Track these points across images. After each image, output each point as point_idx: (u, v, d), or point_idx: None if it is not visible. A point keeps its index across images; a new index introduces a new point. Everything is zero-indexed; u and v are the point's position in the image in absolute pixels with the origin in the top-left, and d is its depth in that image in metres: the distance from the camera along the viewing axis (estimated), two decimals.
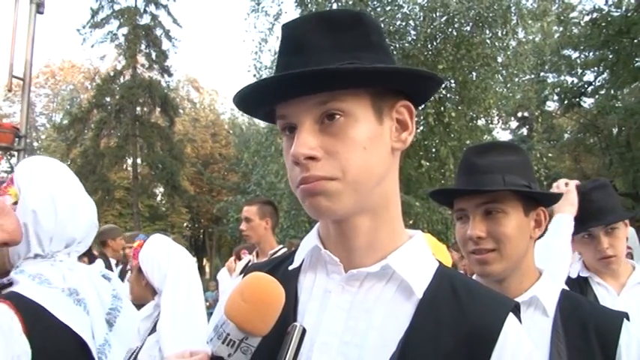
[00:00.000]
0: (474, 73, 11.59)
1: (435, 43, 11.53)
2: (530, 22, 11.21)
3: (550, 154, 15.65)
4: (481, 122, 12.64)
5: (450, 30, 11.23)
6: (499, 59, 11.52)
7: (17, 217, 1.19)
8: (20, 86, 4.85)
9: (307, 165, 0.74)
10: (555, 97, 19.53)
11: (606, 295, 1.87)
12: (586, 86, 18.49)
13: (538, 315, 1.23)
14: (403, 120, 0.81)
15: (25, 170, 1.37)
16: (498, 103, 12.04)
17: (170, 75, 25.02)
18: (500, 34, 11.15)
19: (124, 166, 26.07)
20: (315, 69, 0.72)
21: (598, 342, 1.15)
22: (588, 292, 1.88)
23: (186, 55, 60.67)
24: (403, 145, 0.82)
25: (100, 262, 5.47)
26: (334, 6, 11.35)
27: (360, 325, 0.77)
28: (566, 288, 1.35)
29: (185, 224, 31.14)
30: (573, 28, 17.58)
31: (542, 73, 18.50)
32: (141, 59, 24.11)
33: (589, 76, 18.65)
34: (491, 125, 13.04)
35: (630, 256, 2.83)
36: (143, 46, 24.07)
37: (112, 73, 23.88)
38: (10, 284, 1.28)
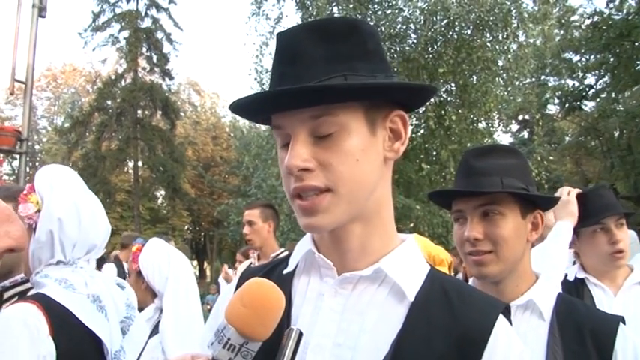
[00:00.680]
0: (475, 77, 11.58)
1: (435, 47, 11.54)
2: (530, 25, 11.21)
3: (551, 158, 15.66)
4: (482, 125, 12.61)
5: (450, 33, 11.24)
6: (500, 62, 11.51)
7: (22, 223, 1.22)
8: (22, 89, 4.87)
9: (301, 176, 0.75)
10: (556, 101, 19.55)
11: (603, 296, 1.88)
12: (587, 89, 18.50)
13: (534, 319, 1.23)
14: (397, 129, 0.82)
15: (45, 179, 1.41)
16: (499, 106, 12.03)
17: (171, 78, 25.13)
18: (500, 38, 11.15)
19: (125, 169, 26.12)
20: (305, 86, 0.73)
21: (594, 346, 1.15)
22: (585, 294, 1.89)
23: (188, 59, 60.99)
24: (395, 155, 0.82)
25: (109, 266, 5.51)
26: (334, 9, 11.38)
27: (353, 328, 0.78)
28: (561, 291, 1.35)
29: (186, 227, 31.18)
30: (574, 31, 17.60)
31: (542, 77, 18.53)
32: (142, 62, 24.19)
33: (590, 80, 18.71)
34: (492, 128, 13.01)
35: None
36: (144, 50, 24.15)
37: (113, 77, 23.98)
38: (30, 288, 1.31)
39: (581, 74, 18.73)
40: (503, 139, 21.25)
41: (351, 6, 11.14)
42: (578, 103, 18.48)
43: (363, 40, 0.78)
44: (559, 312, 1.23)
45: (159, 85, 24.11)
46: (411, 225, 10.49)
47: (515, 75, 11.45)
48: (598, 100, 18.36)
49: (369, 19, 10.87)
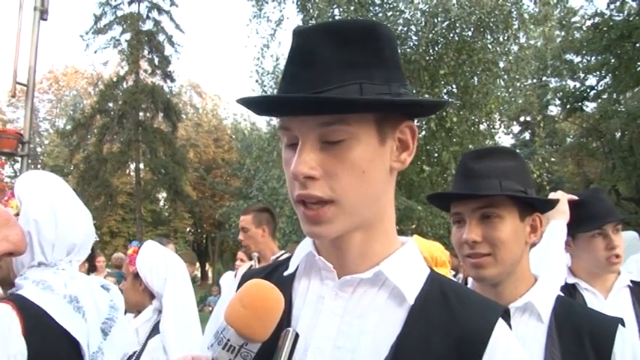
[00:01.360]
0: (476, 78, 11.58)
1: (436, 49, 11.53)
2: (531, 26, 11.21)
3: (553, 159, 15.64)
4: (483, 127, 12.60)
5: (451, 35, 11.24)
6: (501, 64, 11.50)
7: (22, 227, 1.23)
8: (24, 92, 4.88)
9: (306, 183, 0.75)
10: (557, 102, 19.50)
11: (594, 300, 1.88)
12: (588, 91, 18.46)
13: (533, 321, 1.24)
14: (405, 140, 0.82)
15: (24, 183, 1.43)
16: (500, 107, 12.01)
17: (173, 80, 25.16)
18: (501, 39, 11.15)
19: (127, 171, 26.16)
20: (322, 97, 0.72)
21: (592, 348, 1.15)
22: (577, 299, 1.88)
23: (189, 61, 61.12)
24: (402, 166, 0.82)
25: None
26: (336, 11, 11.38)
27: (353, 330, 0.78)
28: (561, 294, 1.35)
29: (188, 229, 31.21)
30: (575, 32, 17.56)
31: (544, 78, 18.47)
32: (144, 65, 24.23)
33: (591, 81, 18.65)
34: (493, 130, 12.99)
35: None
36: (146, 52, 24.19)
37: (114, 79, 24.01)
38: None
39: (582, 75, 18.70)
40: (505, 140, 21.23)
41: (352, 8, 11.14)
42: (580, 104, 18.44)
43: (380, 46, 0.77)
44: (557, 314, 1.22)
45: (160, 87, 24.14)
46: (413, 226, 10.49)
47: (517, 76, 11.44)
48: (599, 101, 18.32)
49: None
